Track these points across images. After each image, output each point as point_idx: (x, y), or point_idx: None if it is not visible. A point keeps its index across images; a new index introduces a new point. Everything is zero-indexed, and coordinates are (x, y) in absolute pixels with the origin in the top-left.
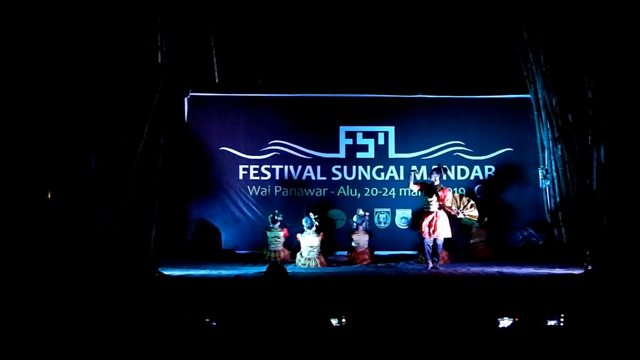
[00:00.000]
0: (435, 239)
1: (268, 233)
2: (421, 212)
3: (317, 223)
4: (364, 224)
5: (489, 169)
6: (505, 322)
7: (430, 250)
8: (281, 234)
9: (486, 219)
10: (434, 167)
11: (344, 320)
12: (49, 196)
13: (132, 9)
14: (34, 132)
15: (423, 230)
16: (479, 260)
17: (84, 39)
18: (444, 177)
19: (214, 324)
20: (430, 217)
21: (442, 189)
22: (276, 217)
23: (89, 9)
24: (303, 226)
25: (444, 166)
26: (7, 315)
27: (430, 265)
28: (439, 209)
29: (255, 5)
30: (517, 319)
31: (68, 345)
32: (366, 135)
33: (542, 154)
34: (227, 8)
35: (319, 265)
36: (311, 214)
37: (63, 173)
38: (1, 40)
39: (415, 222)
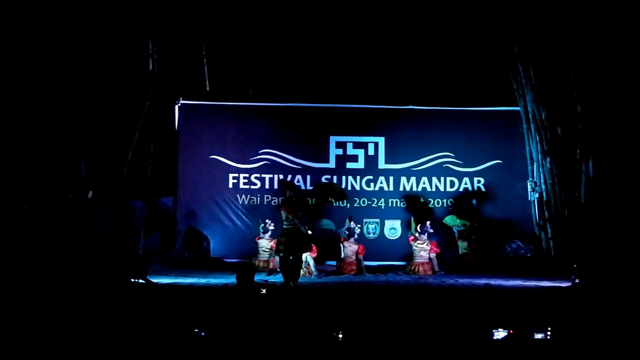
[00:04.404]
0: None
1: (259, 242)
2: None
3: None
4: (355, 235)
5: (478, 181)
6: (499, 334)
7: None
8: (271, 244)
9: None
10: (282, 182)
11: (339, 333)
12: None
13: (124, 16)
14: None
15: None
16: (466, 271)
17: (75, 47)
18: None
19: (203, 334)
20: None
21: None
22: (268, 227)
23: (80, 16)
24: None
25: (293, 183)
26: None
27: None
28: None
29: (247, 15)
30: (511, 331)
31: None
32: (356, 145)
33: (531, 166)
34: (219, 17)
35: (306, 275)
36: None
37: (52, 179)
38: None
39: (405, 233)
